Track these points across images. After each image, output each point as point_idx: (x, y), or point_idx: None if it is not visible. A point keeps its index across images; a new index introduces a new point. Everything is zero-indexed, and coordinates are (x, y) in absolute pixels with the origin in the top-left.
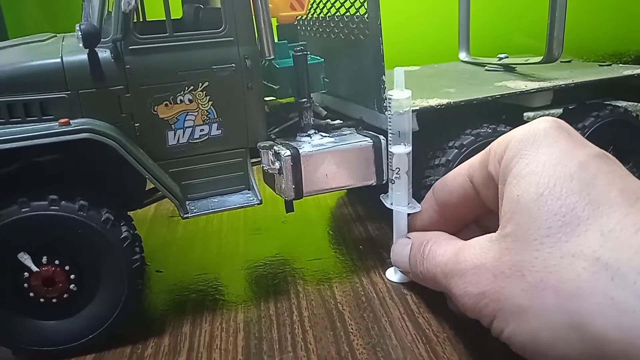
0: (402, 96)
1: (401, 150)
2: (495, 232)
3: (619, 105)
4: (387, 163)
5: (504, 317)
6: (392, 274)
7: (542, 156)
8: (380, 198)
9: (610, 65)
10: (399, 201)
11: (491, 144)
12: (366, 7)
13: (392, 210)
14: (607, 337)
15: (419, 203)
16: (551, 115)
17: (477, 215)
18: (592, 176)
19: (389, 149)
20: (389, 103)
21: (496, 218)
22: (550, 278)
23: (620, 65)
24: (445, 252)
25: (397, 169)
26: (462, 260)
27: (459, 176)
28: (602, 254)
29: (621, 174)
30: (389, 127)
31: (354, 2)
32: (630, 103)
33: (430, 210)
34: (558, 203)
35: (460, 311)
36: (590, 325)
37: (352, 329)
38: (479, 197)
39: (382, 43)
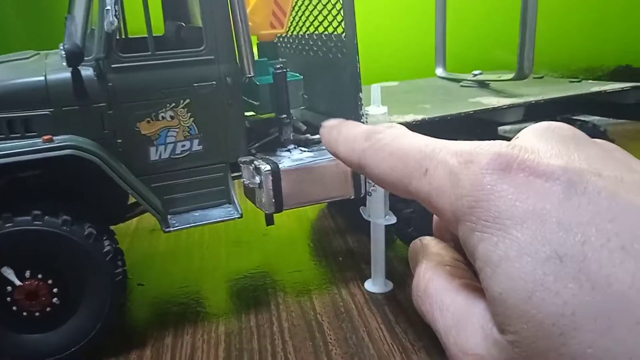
0: (378, 112)
1: None
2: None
3: (587, 120)
4: (365, 177)
5: None
6: (371, 285)
7: (512, 230)
8: (360, 210)
9: (580, 81)
10: (376, 213)
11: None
12: (343, 26)
13: (370, 222)
14: None
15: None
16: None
17: None
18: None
19: None
20: (366, 119)
21: None
22: None
23: (590, 81)
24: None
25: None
26: None
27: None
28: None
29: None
30: None
31: (332, 21)
32: (598, 118)
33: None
34: (559, 300)
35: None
36: None
37: (330, 339)
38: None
39: (358, 62)
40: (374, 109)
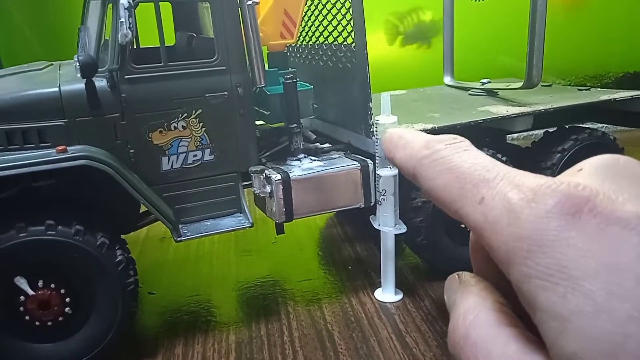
0: (388, 121)
1: (388, 173)
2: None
3: (596, 128)
4: (375, 186)
5: None
6: (381, 294)
7: (584, 283)
8: (370, 219)
9: (589, 89)
10: (386, 222)
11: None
12: (353, 37)
13: (380, 230)
14: None
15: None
16: (533, 137)
17: None
18: None
19: (376, 172)
20: (376, 128)
21: None
22: None
23: (599, 89)
24: None
25: (384, 191)
26: None
27: None
28: None
29: None
30: (376, 151)
31: (342, 31)
32: (607, 126)
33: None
34: None
35: None
36: None
37: (341, 348)
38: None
39: (368, 71)
40: (384, 118)
